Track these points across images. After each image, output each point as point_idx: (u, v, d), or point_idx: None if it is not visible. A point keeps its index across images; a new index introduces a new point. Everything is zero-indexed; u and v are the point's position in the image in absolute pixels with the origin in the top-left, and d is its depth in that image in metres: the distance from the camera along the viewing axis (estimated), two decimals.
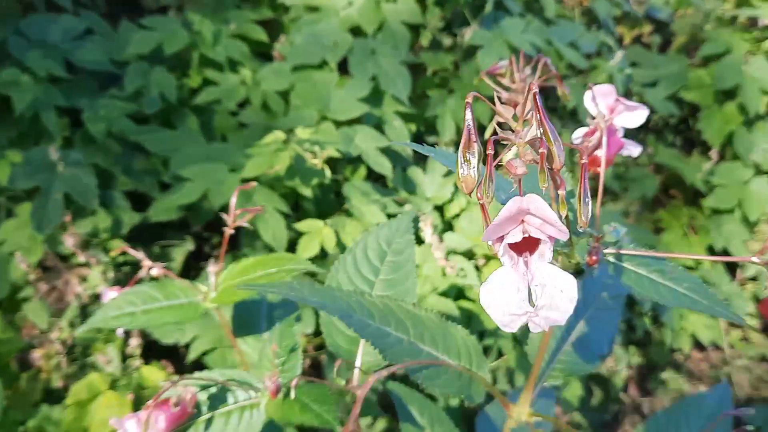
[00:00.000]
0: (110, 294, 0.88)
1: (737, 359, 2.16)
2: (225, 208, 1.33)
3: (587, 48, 1.80)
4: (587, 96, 0.66)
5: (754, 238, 2.13)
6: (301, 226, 1.32)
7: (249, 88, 1.52)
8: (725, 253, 2.04)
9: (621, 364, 1.86)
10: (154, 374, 1.29)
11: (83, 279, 1.38)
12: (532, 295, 0.40)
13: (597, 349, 0.74)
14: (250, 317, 1.00)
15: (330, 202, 1.50)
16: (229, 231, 0.82)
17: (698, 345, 2.17)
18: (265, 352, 0.74)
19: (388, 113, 1.57)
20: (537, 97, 0.42)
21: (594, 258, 0.57)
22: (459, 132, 1.69)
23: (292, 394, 0.68)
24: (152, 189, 1.42)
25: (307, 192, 1.31)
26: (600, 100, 0.65)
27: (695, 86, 1.98)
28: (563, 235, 0.39)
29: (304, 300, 0.60)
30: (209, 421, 0.68)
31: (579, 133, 0.69)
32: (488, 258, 1.55)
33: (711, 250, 2.09)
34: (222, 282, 0.85)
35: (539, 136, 0.41)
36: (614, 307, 0.78)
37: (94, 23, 1.57)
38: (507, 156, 0.41)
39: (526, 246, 0.42)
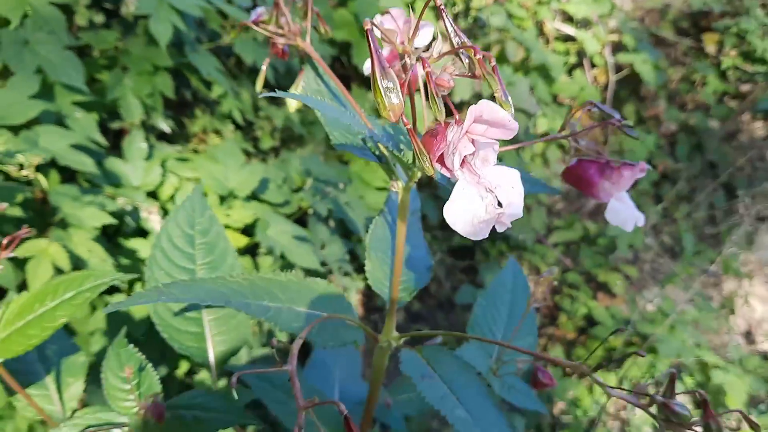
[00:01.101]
0: None
1: None
2: None
3: (244, 3, 1.80)
4: (380, 20, 0.68)
5: None
6: (22, 251, 1.12)
7: None
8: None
9: (352, 291, 1.99)
10: None
11: None
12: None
13: (424, 263, 0.79)
14: (20, 366, 0.84)
15: (29, 219, 1.30)
16: None
17: None
18: (110, 383, 0.64)
19: (65, 106, 1.39)
20: (443, 9, 0.43)
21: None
22: (147, 110, 1.58)
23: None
24: None
25: (16, 212, 1.10)
26: (393, 23, 0.68)
27: (342, 25, 2.12)
28: (512, 133, 0.41)
29: (178, 299, 0.53)
30: None
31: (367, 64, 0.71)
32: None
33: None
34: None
35: (456, 46, 0.42)
36: (415, 220, 0.84)
37: None
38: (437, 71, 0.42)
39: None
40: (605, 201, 0.68)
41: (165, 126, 1.64)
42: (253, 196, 1.63)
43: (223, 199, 1.57)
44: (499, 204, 0.42)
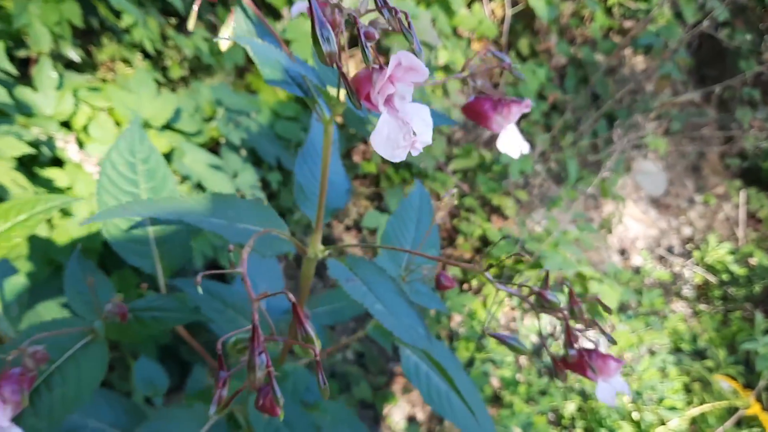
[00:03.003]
0: None
1: None
2: None
3: None
4: None
5: None
6: None
7: None
8: None
9: None
10: None
11: None
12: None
13: (343, 186, 0.90)
14: None
15: None
16: None
17: None
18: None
19: None
20: None
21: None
22: (56, 39, 1.57)
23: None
24: None
25: None
26: None
27: None
28: (424, 77, 0.52)
29: (140, 214, 0.62)
30: (60, 368, 0.66)
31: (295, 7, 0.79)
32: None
33: None
34: None
35: (380, 6, 0.51)
36: (335, 150, 0.94)
37: None
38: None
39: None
40: (497, 132, 0.81)
41: (74, 55, 1.64)
42: (167, 126, 1.67)
43: None
44: (414, 133, 0.53)
